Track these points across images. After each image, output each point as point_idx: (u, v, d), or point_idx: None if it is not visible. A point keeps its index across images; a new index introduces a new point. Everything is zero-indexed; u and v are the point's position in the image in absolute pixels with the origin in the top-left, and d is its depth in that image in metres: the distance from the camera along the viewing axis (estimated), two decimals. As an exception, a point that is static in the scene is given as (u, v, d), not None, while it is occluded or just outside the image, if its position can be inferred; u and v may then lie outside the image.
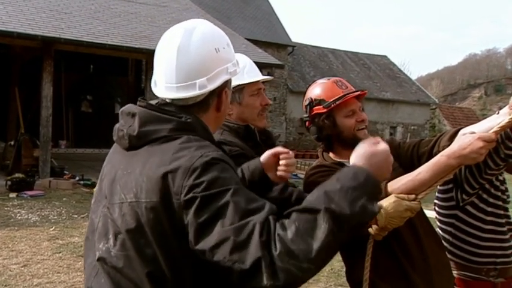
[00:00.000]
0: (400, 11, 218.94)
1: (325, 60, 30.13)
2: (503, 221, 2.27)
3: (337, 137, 2.14)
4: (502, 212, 2.27)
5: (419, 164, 2.04)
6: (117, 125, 1.42)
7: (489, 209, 2.26)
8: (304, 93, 2.24)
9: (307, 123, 2.19)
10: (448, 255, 2.25)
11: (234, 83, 2.06)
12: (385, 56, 34.76)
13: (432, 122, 31.41)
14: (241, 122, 2.16)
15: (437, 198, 2.40)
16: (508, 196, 2.33)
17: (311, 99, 2.15)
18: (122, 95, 18.29)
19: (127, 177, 1.32)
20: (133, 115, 1.36)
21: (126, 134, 1.36)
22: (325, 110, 2.09)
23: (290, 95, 25.10)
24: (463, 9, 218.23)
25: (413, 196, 1.82)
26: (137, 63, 18.61)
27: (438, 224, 2.42)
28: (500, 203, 2.28)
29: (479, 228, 2.25)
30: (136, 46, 11.61)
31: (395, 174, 2.07)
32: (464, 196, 2.20)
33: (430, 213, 2.11)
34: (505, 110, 1.89)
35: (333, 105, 2.07)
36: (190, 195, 1.18)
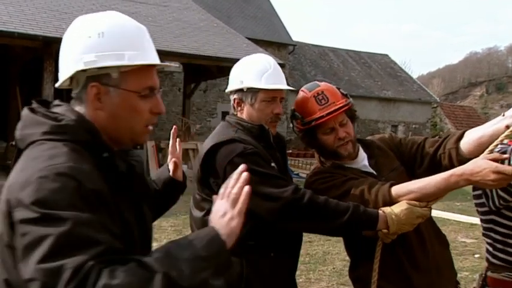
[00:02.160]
0: (398, 9, 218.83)
1: (326, 59, 30.11)
2: None
3: (318, 149, 2.17)
4: None
5: (422, 164, 2.04)
6: None
7: None
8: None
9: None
10: (493, 259, 2.21)
11: (249, 84, 2.05)
12: (386, 55, 34.73)
13: (433, 121, 31.38)
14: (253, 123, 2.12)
15: (475, 203, 2.33)
16: None
17: (293, 111, 2.16)
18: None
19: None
20: (20, 118, 1.30)
21: (16, 136, 1.29)
22: (303, 128, 2.11)
23: (291, 94, 25.04)
24: (461, 7, 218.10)
25: (424, 203, 1.84)
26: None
27: (482, 227, 2.33)
28: None
29: None
30: (137, 46, 11.61)
31: (396, 174, 2.08)
32: (497, 205, 2.12)
33: (450, 215, 2.08)
34: (511, 112, 1.86)
35: (307, 126, 2.09)
36: (19, 212, 1.06)
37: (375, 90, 28.42)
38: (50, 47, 10.80)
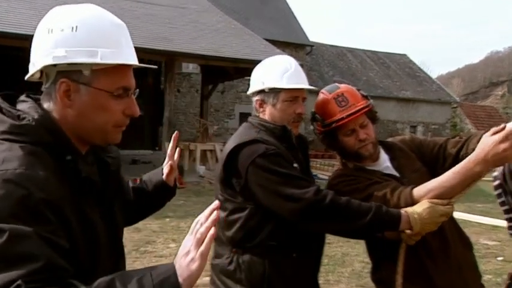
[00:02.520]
0: (419, 9, 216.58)
1: (343, 60, 29.96)
2: None
3: (339, 151, 2.16)
4: None
5: (444, 165, 2.01)
6: None
7: None
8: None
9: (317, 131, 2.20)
10: None
11: (271, 85, 2.06)
12: (405, 55, 34.40)
13: (453, 121, 30.96)
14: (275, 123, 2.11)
15: (499, 203, 2.30)
16: None
17: (313, 113, 2.16)
18: (141, 97, 18.42)
19: None
20: None
21: None
22: (323, 130, 2.11)
23: (309, 95, 24.68)
24: (482, 5, 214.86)
25: (446, 201, 1.82)
26: (155, 65, 18.74)
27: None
28: None
29: None
30: (155, 48, 11.71)
31: (419, 175, 2.05)
32: None
33: (471, 217, 2.04)
34: None
35: (327, 128, 2.09)
36: None
37: (394, 91, 28.16)
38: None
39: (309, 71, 25.46)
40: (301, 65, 2.29)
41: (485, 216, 8.79)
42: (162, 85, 17.26)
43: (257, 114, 2.17)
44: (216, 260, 2.16)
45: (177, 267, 1.05)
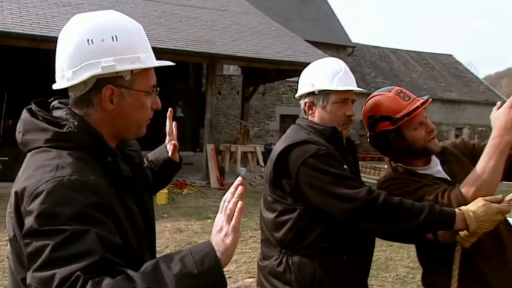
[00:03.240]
0: (465, 6, 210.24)
1: (386, 61, 29.45)
2: None
3: (406, 149, 2.08)
4: None
5: None
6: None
7: None
8: (366, 101, 2.17)
9: (370, 137, 2.15)
10: None
11: (321, 86, 2.06)
12: (450, 55, 33.49)
13: (501, 123, 29.91)
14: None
15: None
16: None
17: (374, 115, 2.08)
18: (183, 99, 18.75)
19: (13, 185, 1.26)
20: (20, 120, 1.31)
21: (17, 139, 1.31)
22: (393, 127, 2.03)
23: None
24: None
25: (500, 197, 1.78)
26: (197, 67, 18.99)
27: None
28: None
29: None
30: (197, 50, 11.82)
31: None
32: None
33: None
34: None
35: (400, 122, 2.01)
36: (26, 221, 1.10)
37: (438, 92, 27.43)
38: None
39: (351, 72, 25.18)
40: (345, 67, 2.27)
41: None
42: (203, 87, 17.45)
43: (305, 117, 2.16)
44: (264, 261, 2.16)
45: (213, 243, 1.14)
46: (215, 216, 1.22)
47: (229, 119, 19.95)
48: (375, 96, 2.14)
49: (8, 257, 1.29)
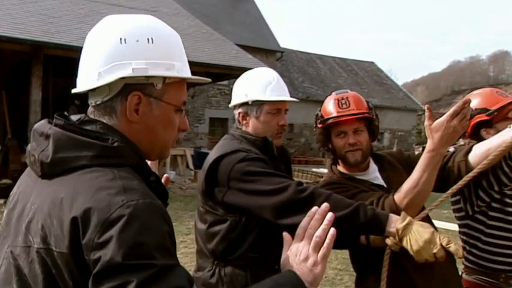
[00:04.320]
0: (385, 18, 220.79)
1: (313, 66, 30.30)
2: None
3: (332, 152, 2.21)
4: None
5: None
6: (28, 147, 1.16)
7: (496, 215, 2.26)
8: (322, 101, 2.28)
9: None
10: (465, 262, 2.36)
11: (254, 97, 2.09)
12: (373, 62, 35.04)
13: (419, 128, 31.69)
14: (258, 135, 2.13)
15: (453, 209, 2.44)
16: None
17: (318, 111, 2.23)
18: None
19: (34, 213, 1.07)
20: (47, 137, 1.10)
21: (38, 159, 1.10)
22: (321, 125, 2.18)
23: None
24: (446, 16, 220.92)
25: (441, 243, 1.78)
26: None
27: (458, 232, 2.47)
28: (510, 209, 2.25)
29: (489, 234, 2.28)
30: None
31: None
32: (475, 208, 2.24)
33: (438, 224, 2.09)
34: None
35: (325, 124, 2.15)
36: (99, 255, 0.93)
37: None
38: (38, 51, 10.74)
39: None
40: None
41: (450, 222, 9.04)
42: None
43: (239, 127, 2.19)
44: (198, 272, 2.13)
45: (299, 273, 1.11)
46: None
47: (158, 121, 19.62)
48: (332, 94, 2.27)
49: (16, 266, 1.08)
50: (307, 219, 1.19)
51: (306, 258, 1.13)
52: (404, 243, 1.76)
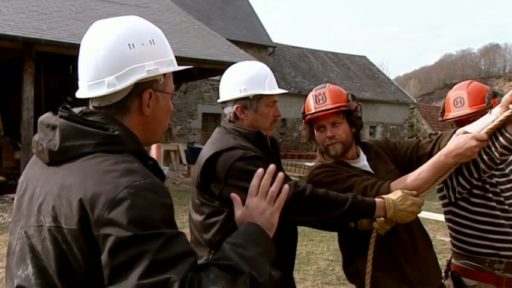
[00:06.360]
0: (377, 13, 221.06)
1: (305, 61, 30.32)
2: (497, 213, 2.34)
3: (317, 144, 2.33)
4: (494, 204, 2.35)
5: (419, 164, 2.16)
6: (35, 137, 1.26)
7: (478, 201, 2.36)
8: (305, 97, 2.37)
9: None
10: (453, 248, 2.49)
11: (254, 91, 2.14)
12: (364, 57, 35.11)
13: (411, 122, 31.87)
14: (253, 128, 2.19)
15: (439, 197, 2.53)
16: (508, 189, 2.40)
17: (303, 109, 2.34)
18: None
19: (44, 197, 1.17)
20: (53, 127, 1.21)
21: (46, 148, 1.20)
22: (304, 121, 2.32)
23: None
24: (438, 11, 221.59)
25: (415, 192, 2.00)
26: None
27: (444, 219, 2.60)
28: (490, 195, 2.35)
29: (473, 220, 2.38)
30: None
31: (393, 176, 2.20)
32: (456, 195, 2.32)
33: (428, 215, 2.18)
34: (497, 109, 1.99)
35: (304, 120, 2.30)
36: (109, 231, 1.03)
37: (354, 92, 27.98)
38: (29, 48, 10.68)
39: (271, 71, 25.61)
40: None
41: (441, 213, 9.13)
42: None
43: (232, 120, 2.23)
44: None
45: (260, 223, 1.30)
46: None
47: (151, 117, 19.58)
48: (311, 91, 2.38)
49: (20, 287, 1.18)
50: (256, 180, 1.38)
51: (264, 210, 1.33)
52: (394, 219, 1.96)
